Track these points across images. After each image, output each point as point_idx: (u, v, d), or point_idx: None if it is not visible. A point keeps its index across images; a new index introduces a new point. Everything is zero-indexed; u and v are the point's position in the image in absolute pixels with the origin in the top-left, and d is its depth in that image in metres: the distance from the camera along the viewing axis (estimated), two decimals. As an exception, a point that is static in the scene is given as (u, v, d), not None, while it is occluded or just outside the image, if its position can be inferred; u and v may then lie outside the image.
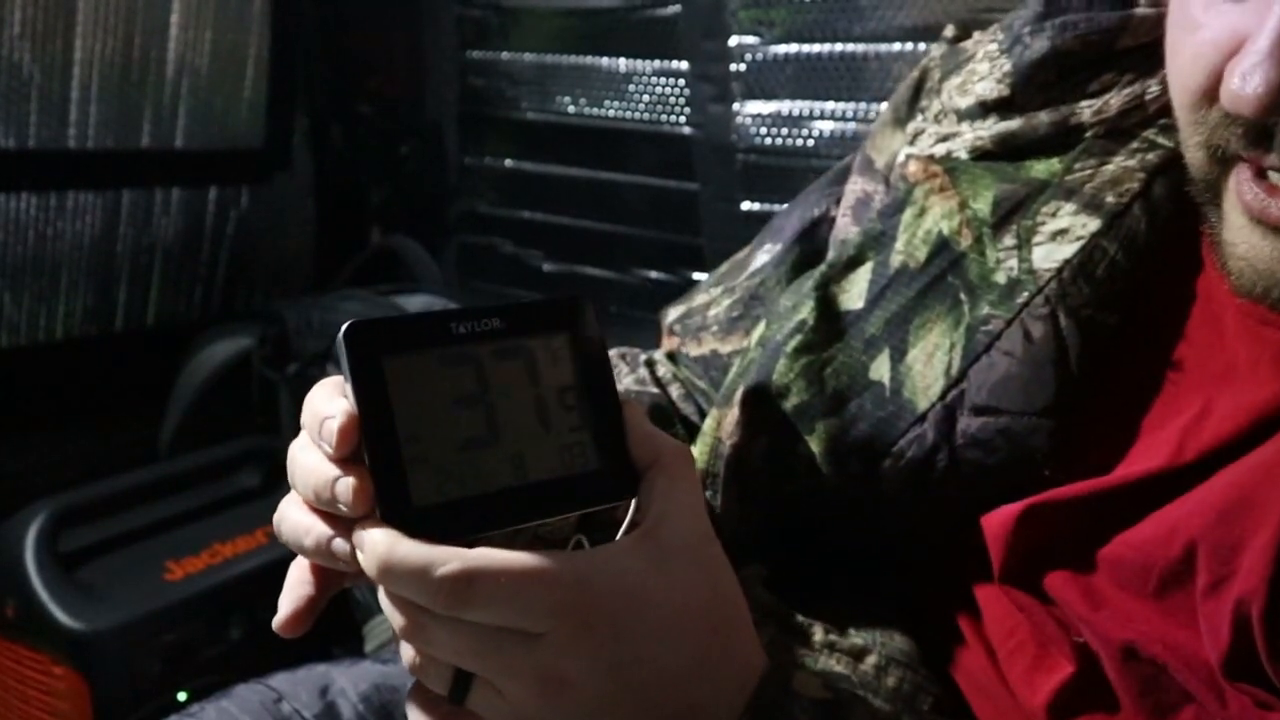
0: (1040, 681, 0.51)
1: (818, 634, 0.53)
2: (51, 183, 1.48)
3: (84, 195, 1.52)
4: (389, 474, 0.40)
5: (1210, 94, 0.43)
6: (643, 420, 0.44)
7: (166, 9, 1.53)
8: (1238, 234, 0.44)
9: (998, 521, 0.50)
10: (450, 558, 0.39)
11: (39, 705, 1.21)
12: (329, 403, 0.41)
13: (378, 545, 0.39)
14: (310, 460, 0.41)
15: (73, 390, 1.57)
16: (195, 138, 1.61)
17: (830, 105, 1.26)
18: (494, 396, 0.42)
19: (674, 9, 1.36)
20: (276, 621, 0.43)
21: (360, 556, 0.40)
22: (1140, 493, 0.48)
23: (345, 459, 0.40)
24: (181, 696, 1.21)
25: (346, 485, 0.40)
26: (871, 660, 0.52)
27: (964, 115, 0.57)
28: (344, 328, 0.40)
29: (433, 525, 0.40)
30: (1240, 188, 0.43)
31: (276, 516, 0.44)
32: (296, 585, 0.43)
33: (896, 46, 1.19)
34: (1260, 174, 0.42)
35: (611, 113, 1.48)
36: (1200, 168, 0.46)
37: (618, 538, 0.43)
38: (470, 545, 0.40)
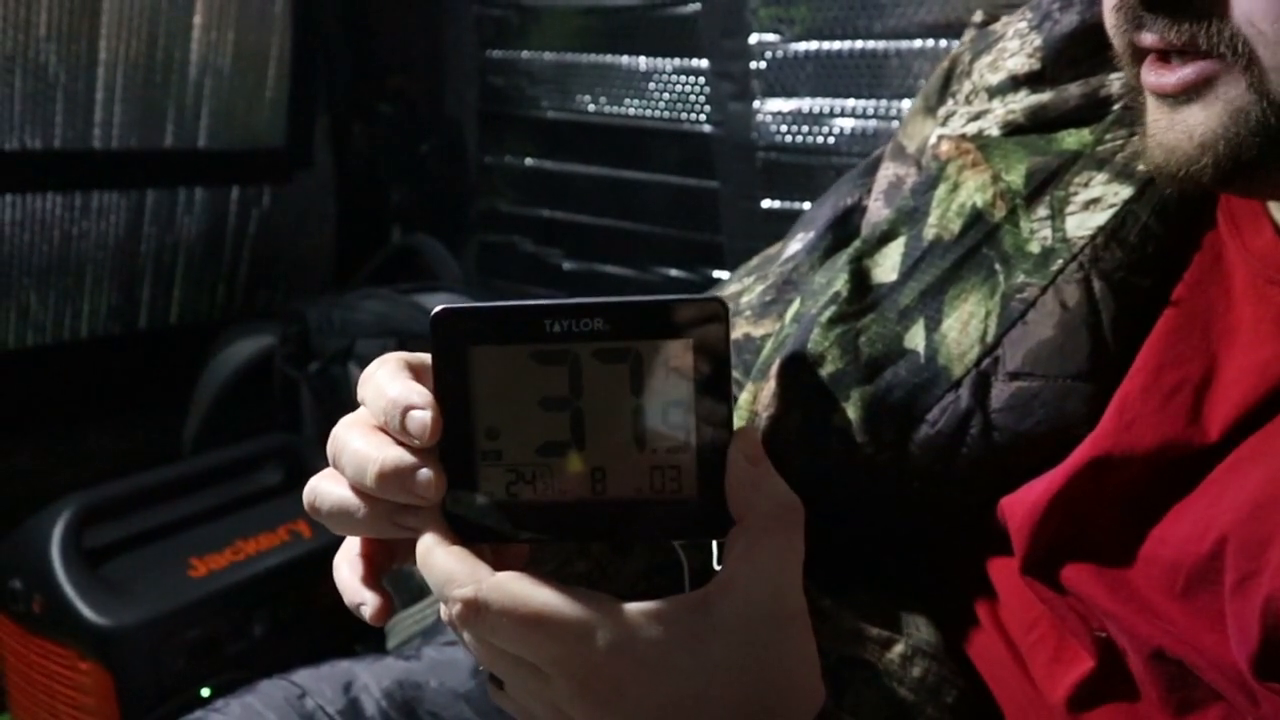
0: (1061, 674, 0.51)
1: (845, 620, 0.53)
2: (77, 183, 1.50)
3: (108, 195, 1.54)
4: (458, 465, 0.39)
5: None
6: (744, 461, 0.40)
7: (189, 10, 1.54)
8: (1150, 121, 0.45)
9: (1021, 512, 0.50)
10: (467, 581, 0.38)
11: (65, 700, 1.22)
12: (406, 387, 0.40)
13: (421, 541, 0.39)
14: (368, 445, 0.40)
15: (97, 388, 1.59)
16: (218, 138, 1.62)
17: (851, 103, 1.25)
18: (585, 402, 0.39)
19: (694, 7, 1.36)
20: (370, 613, 0.42)
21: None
22: (1164, 473, 0.47)
23: (424, 455, 0.39)
24: (205, 692, 1.22)
25: (428, 478, 0.39)
26: (898, 650, 0.52)
27: (995, 91, 0.57)
28: (435, 311, 0.39)
29: (492, 523, 0.40)
30: (1144, 75, 0.45)
31: (310, 492, 0.43)
32: (355, 573, 0.43)
33: (917, 43, 1.19)
34: (1157, 60, 0.44)
35: (631, 111, 1.48)
36: (1129, 73, 0.47)
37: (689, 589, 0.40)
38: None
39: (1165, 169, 0.44)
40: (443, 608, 0.41)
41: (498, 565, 0.41)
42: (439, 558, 0.39)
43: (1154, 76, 0.44)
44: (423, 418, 0.39)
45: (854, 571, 0.57)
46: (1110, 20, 0.46)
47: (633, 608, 0.39)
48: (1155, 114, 0.44)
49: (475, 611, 0.38)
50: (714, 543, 0.43)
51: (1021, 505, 0.51)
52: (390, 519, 0.41)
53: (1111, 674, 0.50)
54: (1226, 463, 0.46)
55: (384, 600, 0.42)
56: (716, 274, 1.43)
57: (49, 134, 1.45)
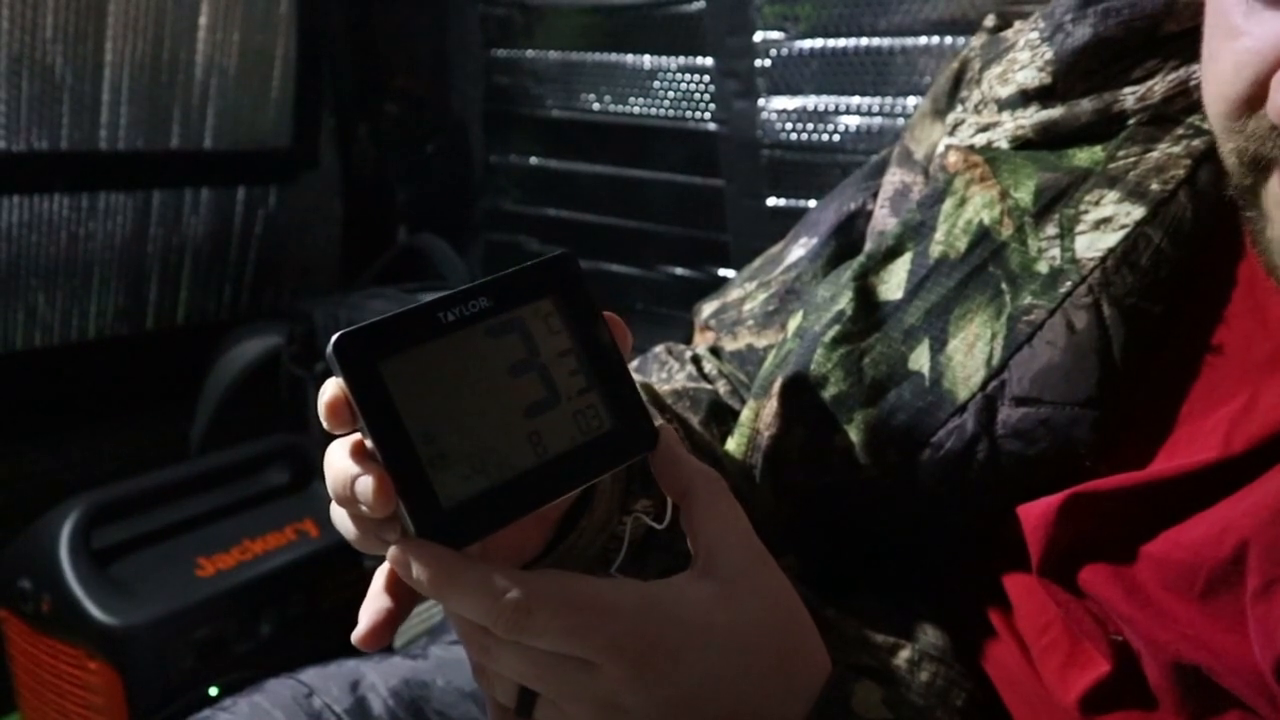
0: (1074, 678, 0.50)
1: (850, 628, 0.53)
2: (83, 184, 1.50)
3: (115, 196, 1.54)
4: (412, 481, 0.39)
5: (1252, 103, 0.42)
6: (670, 447, 0.43)
7: (195, 11, 1.55)
8: None
9: (1037, 512, 0.50)
10: (511, 585, 0.38)
11: (74, 699, 1.23)
12: (348, 459, 0.40)
13: (430, 564, 0.38)
14: (331, 458, 0.41)
15: (104, 389, 1.59)
16: (224, 138, 1.63)
17: (856, 100, 1.25)
18: (498, 378, 0.41)
19: (698, 5, 1.36)
20: (355, 635, 0.42)
21: (414, 570, 0.39)
22: (1189, 486, 0.47)
23: (367, 462, 0.39)
24: (213, 691, 1.22)
25: (366, 485, 0.38)
26: (905, 655, 0.52)
27: (1005, 104, 0.56)
28: (332, 341, 0.38)
29: (465, 523, 0.39)
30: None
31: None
32: (375, 598, 0.43)
33: (923, 40, 1.18)
34: None
35: (636, 109, 1.48)
36: (1236, 172, 0.45)
37: (665, 566, 0.42)
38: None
39: None
40: (456, 628, 0.41)
41: None
42: (465, 573, 0.38)
43: None
44: (367, 484, 0.38)
45: (858, 581, 0.57)
46: (1250, 132, 0.43)
47: (666, 582, 0.41)
48: None
49: (527, 612, 0.38)
50: (667, 506, 0.45)
51: (1037, 507, 0.50)
52: (375, 534, 0.41)
53: (1126, 678, 0.49)
54: (1247, 471, 0.45)
55: (375, 627, 0.42)
56: (722, 272, 1.43)
57: (55, 135, 1.45)
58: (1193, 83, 0.52)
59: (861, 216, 0.64)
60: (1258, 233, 0.45)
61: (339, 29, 1.76)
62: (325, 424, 0.39)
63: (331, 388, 0.39)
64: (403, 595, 0.43)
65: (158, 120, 1.55)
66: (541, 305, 0.42)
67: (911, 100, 1.20)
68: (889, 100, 1.22)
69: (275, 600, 1.27)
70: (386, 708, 0.68)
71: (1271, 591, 0.43)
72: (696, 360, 0.65)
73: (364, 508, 0.39)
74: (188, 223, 1.63)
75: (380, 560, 0.42)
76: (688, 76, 1.41)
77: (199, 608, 1.22)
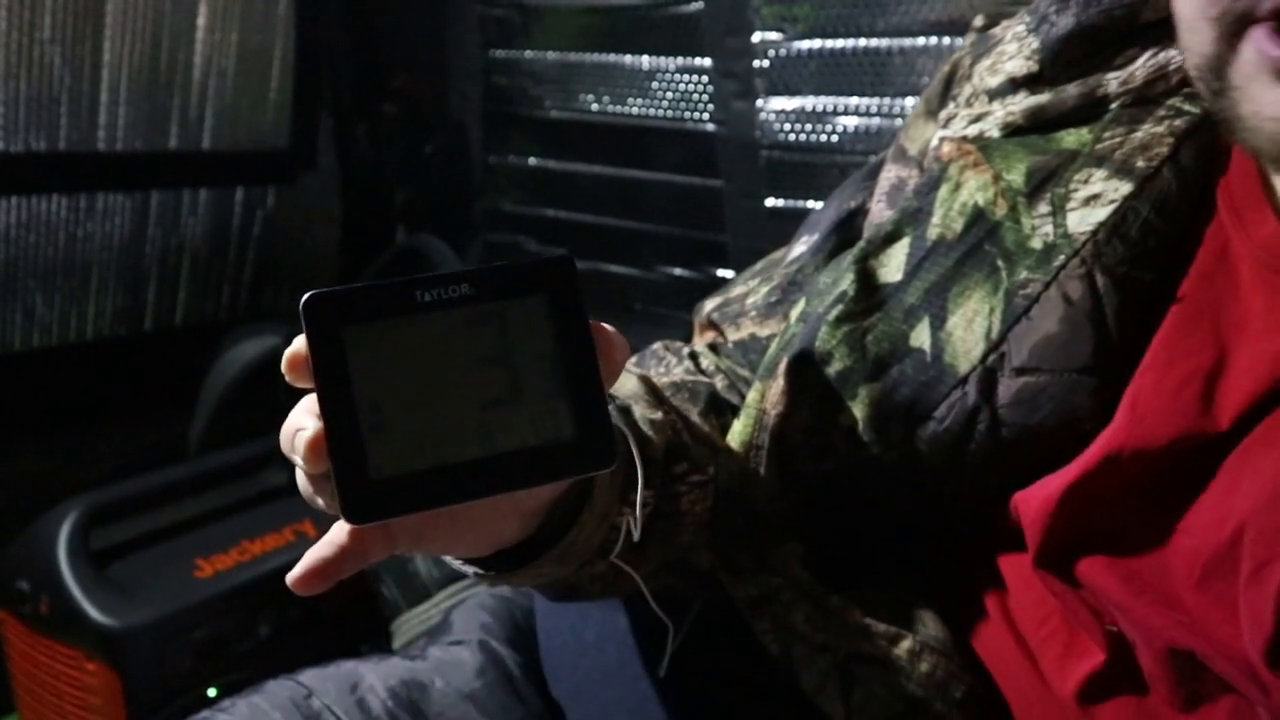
0: (1072, 669, 0.51)
1: (853, 617, 0.54)
2: (82, 185, 1.50)
3: (113, 197, 1.54)
4: (346, 445, 0.39)
5: None
6: None
7: (193, 12, 1.55)
8: (1263, 97, 0.43)
9: (1036, 505, 0.51)
10: None
11: (73, 700, 1.23)
12: (299, 414, 0.41)
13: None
14: (293, 410, 0.42)
15: (103, 389, 1.59)
16: (222, 139, 1.63)
17: (854, 100, 1.25)
18: (461, 365, 0.41)
19: (696, 6, 1.36)
20: (290, 576, 0.44)
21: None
22: (1181, 463, 0.47)
23: (313, 420, 0.41)
24: (212, 692, 1.22)
25: (302, 439, 0.40)
26: (906, 645, 0.53)
27: (994, 94, 0.58)
28: (305, 298, 0.40)
29: (389, 498, 0.40)
30: (1262, 46, 0.43)
31: None
32: (324, 545, 0.44)
33: (921, 41, 1.19)
34: (1276, 31, 0.42)
35: (635, 110, 1.48)
36: (1208, 50, 0.45)
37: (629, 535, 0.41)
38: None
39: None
40: None
41: (419, 533, 0.43)
42: None
43: (1274, 47, 0.42)
44: (303, 438, 0.40)
45: (861, 568, 0.58)
46: None
47: None
48: (1272, 90, 0.43)
49: None
50: (635, 515, 0.45)
51: (1036, 498, 0.51)
52: (309, 493, 0.42)
53: (1121, 668, 0.50)
54: (1240, 450, 0.46)
55: (308, 571, 0.43)
56: (721, 273, 1.43)
57: (54, 136, 1.45)
58: (1172, 67, 0.54)
59: (861, 214, 0.65)
60: (1231, 120, 0.46)
61: (338, 29, 1.76)
62: (286, 376, 0.41)
63: (297, 343, 0.41)
64: (353, 552, 0.44)
65: (156, 121, 1.55)
66: (528, 303, 0.42)
67: (910, 101, 1.20)
68: (887, 101, 1.23)
69: (274, 601, 1.27)
70: (385, 708, 0.68)
71: (1261, 574, 0.44)
72: (694, 356, 0.66)
73: (297, 460, 0.40)
74: (186, 223, 1.63)
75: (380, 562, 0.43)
76: (686, 77, 1.41)
77: (198, 609, 1.22)
